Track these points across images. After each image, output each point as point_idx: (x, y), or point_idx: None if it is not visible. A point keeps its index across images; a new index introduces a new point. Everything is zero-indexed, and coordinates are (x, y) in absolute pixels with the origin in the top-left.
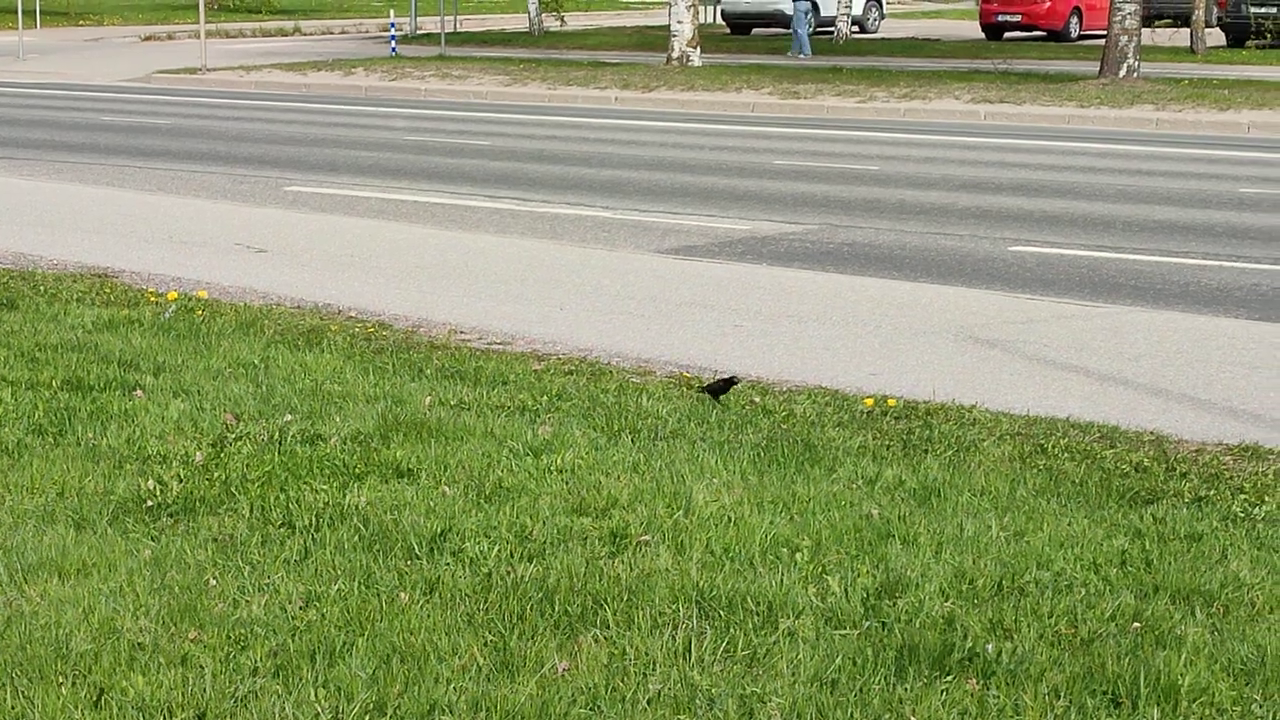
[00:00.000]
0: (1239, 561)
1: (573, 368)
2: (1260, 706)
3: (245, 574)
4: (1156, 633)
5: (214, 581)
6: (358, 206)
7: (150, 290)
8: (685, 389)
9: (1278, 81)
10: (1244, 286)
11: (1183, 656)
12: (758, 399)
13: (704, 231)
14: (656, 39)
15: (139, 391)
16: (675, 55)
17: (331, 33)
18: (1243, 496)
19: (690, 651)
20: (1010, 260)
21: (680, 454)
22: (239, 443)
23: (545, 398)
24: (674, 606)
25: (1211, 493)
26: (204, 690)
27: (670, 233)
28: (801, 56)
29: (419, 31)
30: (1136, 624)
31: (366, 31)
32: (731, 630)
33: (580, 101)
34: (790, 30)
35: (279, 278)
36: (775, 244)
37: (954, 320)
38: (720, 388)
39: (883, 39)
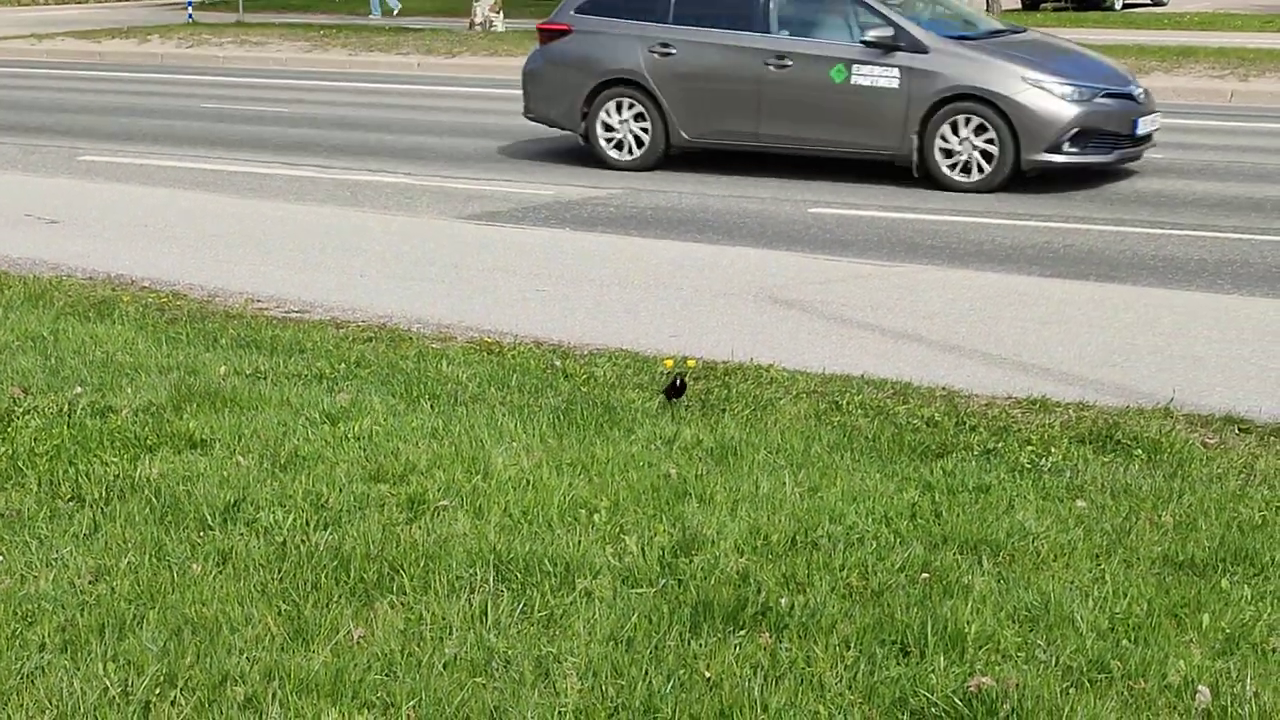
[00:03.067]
0: (1025, 512)
1: (372, 335)
2: (1044, 651)
3: (33, 549)
4: (945, 583)
5: (1, 557)
6: (153, 175)
7: None
8: (486, 354)
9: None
10: (1036, 244)
11: (969, 605)
12: (558, 362)
13: (507, 197)
14: (459, 4)
15: None
16: (478, 20)
17: (127, 0)
18: (1030, 448)
19: (487, 614)
20: (810, 222)
21: (480, 418)
22: (26, 416)
23: (343, 365)
24: (471, 570)
25: (1000, 445)
26: None
27: (473, 199)
28: (372, 17)
29: None
30: (925, 574)
31: None
32: (529, 592)
33: (382, 68)
34: None
35: (71, 248)
36: (579, 208)
37: (754, 281)
38: (677, 389)
39: None
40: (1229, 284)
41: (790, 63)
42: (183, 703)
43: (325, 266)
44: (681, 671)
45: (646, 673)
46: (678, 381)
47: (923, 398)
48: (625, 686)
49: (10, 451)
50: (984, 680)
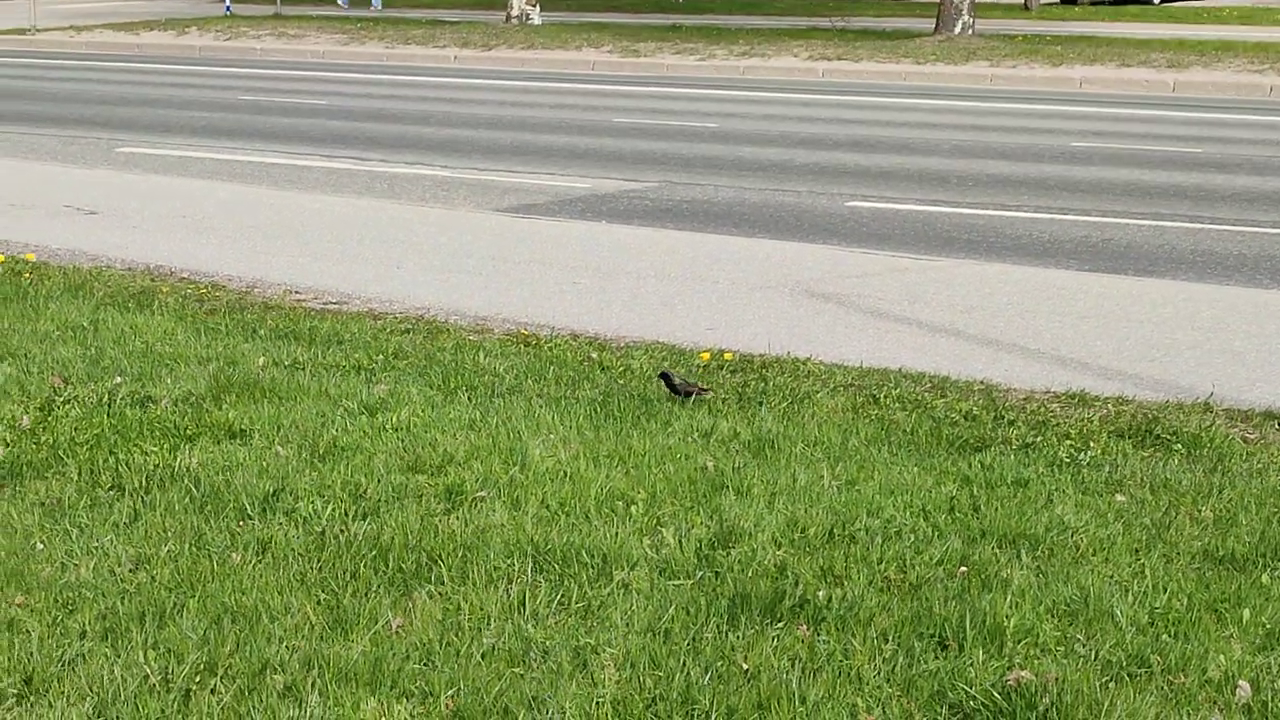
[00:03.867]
0: (1064, 506)
1: (410, 326)
2: (1083, 646)
3: (73, 537)
4: (983, 576)
5: (41, 546)
6: (191, 167)
7: None
8: (523, 346)
9: (1108, 37)
10: (1074, 239)
11: (1008, 599)
12: (595, 355)
13: (544, 190)
14: None
15: None
16: (515, 13)
17: None
18: (1069, 442)
19: (525, 605)
20: (847, 215)
21: (517, 410)
22: (67, 406)
23: (381, 356)
24: (509, 561)
25: (1038, 439)
26: (31, 654)
27: (510, 191)
28: (341, 3)
29: None
30: (964, 568)
31: None
32: (566, 583)
33: (419, 60)
34: None
35: (110, 239)
36: (615, 201)
37: (791, 275)
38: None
39: None
40: (1268, 279)
41: None
42: (223, 690)
43: (363, 258)
44: (719, 663)
45: (684, 664)
46: (680, 384)
47: (961, 391)
48: (663, 678)
49: (51, 440)
50: (1023, 674)
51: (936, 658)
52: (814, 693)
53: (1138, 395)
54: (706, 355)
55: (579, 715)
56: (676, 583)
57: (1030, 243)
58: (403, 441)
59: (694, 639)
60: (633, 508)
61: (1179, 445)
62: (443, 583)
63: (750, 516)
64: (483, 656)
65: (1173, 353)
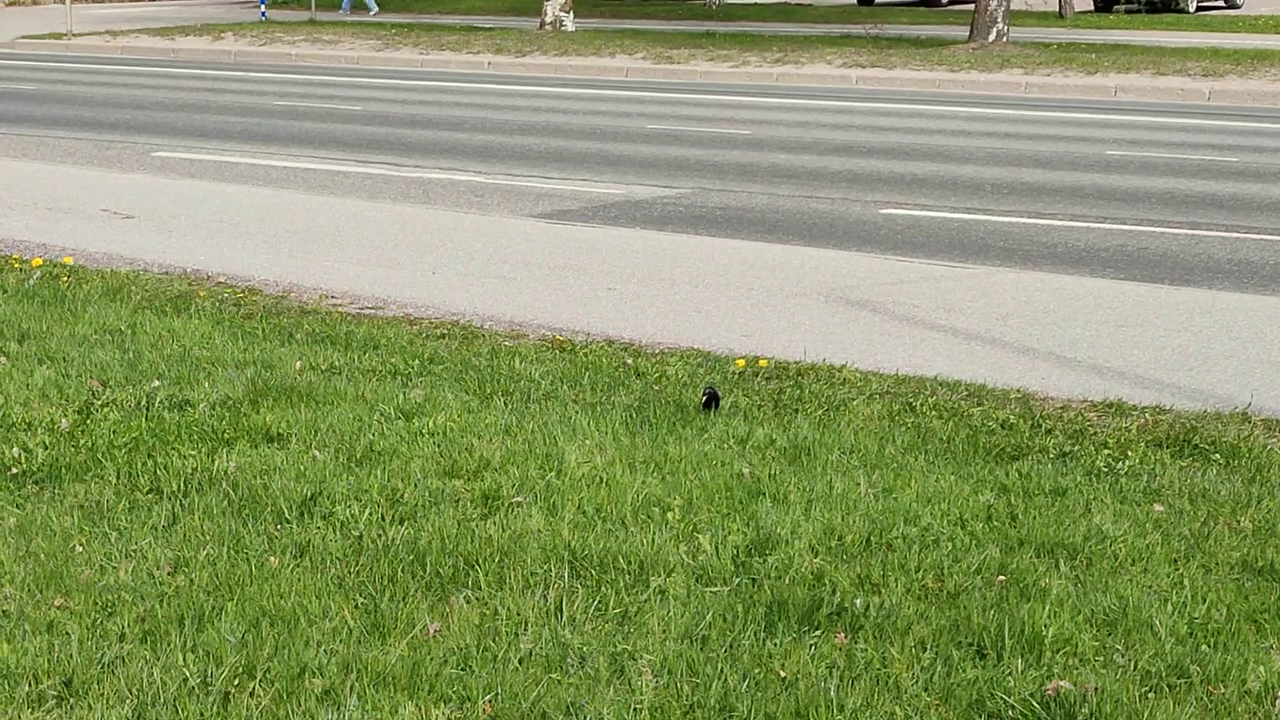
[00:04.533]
0: (1102, 515)
1: (445, 331)
2: (1122, 656)
3: (112, 540)
4: (1021, 585)
5: (80, 548)
6: (227, 172)
7: (15, 257)
8: (558, 351)
9: (1143, 45)
10: (1110, 247)
11: (1046, 608)
12: (630, 361)
13: (578, 196)
14: (530, 3)
15: (2, 358)
16: (549, 20)
17: None
18: (1106, 452)
19: (562, 610)
20: (881, 223)
21: (553, 416)
22: (105, 409)
23: (417, 361)
24: (546, 566)
25: (1076, 448)
26: (70, 656)
27: (544, 197)
28: (343, 9)
29: None
30: (1002, 577)
31: None
32: (603, 589)
33: (453, 66)
34: None
35: (147, 243)
36: (649, 208)
37: (825, 282)
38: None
39: (754, 3)
40: None
41: None
42: (261, 694)
43: (398, 263)
44: (757, 670)
45: (721, 671)
46: (712, 395)
47: (997, 400)
48: (700, 685)
49: (90, 444)
50: (1062, 684)
51: (975, 666)
52: (852, 701)
53: (1175, 405)
54: (742, 362)
55: None
56: (713, 589)
57: (1066, 251)
58: (439, 446)
59: (731, 646)
60: (669, 514)
61: (1217, 455)
62: (479, 587)
63: (787, 524)
64: (520, 662)
65: (1210, 362)
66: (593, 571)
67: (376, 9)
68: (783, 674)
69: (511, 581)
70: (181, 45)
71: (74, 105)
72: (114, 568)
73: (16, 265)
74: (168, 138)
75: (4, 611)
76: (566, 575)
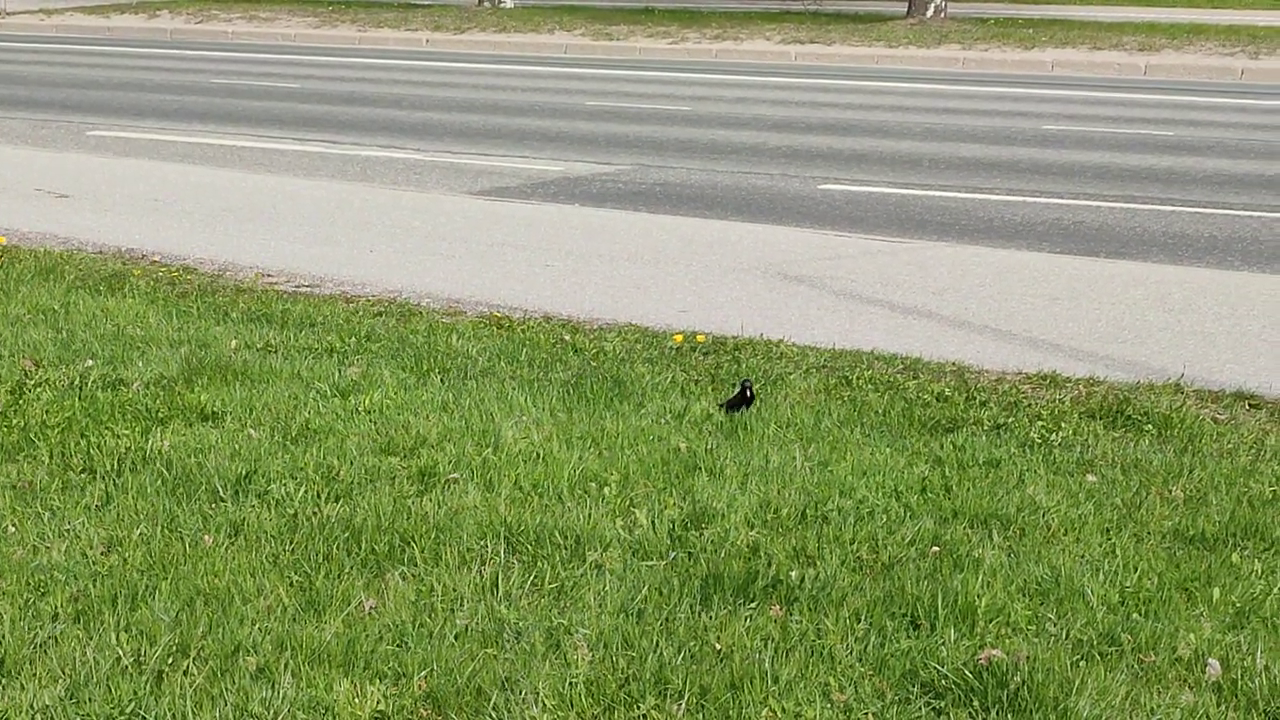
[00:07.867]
0: (1035, 486)
1: (382, 309)
2: (1054, 625)
3: (45, 520)
4: (955, 556)
5: (13, 528)
6: (163, 150)
7: None
8: (495, 328)
9: (1080, 20)
10: (1046, 221)
11: (980, 578)
12: (568, 337)
13: (516, 173)
14: None
15: None
16: None
17: None
18: (1040, 423)
19: (498, 586)
20: (819, 198)
21: (490, 392)
22: (38, 389)
23: (354, 339)
24: (482, 542)
25: (1010, 420)
26: (2, 637)
27: (483, 174)
28: None
29: None
30: (936, 548)
31: None
32: (539, 564)
33: (391, 44)
34: None
35: (81, 223)
36: (588, 185)
37: (764, 257)
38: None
39: None
40: (1239, 261)
41: None
42: (195, 672)
43: (335, 241)
44: (692, 643)
45: (657, 644)
46: (746, 393)
47: (933, 373)
48: (636, 658)
49: (22, 424)
50: (994, 653)
51: (908, 637)
52: (786, 672)
53: (1109, 376)
54: (679, 337)
55: (552, 696)
56: (649, 563)
57: (1002, 225)
58: (375, 424)
59: (667, 619)
60: (606, 489)
61: (1150, 426)
62: (415, 564)
63: (723, 497)
64: (455, 637)
65: (1144, 334)
66: (529, 547)
67: None
68: (718, 646)
69: (448, 558)
70: (117, 23)
71: (8, 84)
72: (47, 548)
73: None
74: (103, 116)
75: None
76: (503, 551)
